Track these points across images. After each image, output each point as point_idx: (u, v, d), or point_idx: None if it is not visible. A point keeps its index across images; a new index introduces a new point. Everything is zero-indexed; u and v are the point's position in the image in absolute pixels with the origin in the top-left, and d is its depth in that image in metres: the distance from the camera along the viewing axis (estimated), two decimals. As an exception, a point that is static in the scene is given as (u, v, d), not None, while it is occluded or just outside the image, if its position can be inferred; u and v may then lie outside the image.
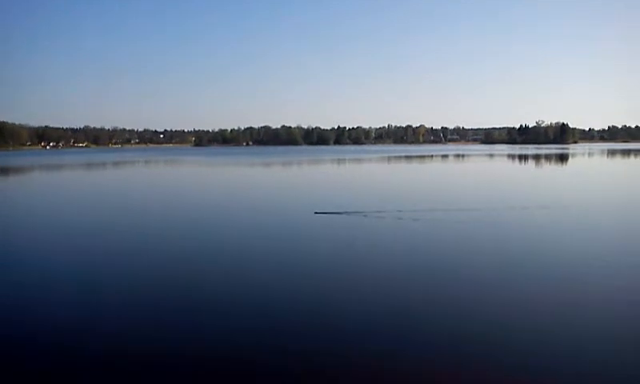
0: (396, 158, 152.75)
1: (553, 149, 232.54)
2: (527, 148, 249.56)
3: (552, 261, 22.81)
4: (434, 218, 34.34)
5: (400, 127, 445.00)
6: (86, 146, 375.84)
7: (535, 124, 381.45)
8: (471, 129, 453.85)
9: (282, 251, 25.63)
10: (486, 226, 31.50)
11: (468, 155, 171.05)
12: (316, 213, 36.31)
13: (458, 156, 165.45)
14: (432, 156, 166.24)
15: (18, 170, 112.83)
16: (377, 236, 29.55)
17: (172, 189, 64.99)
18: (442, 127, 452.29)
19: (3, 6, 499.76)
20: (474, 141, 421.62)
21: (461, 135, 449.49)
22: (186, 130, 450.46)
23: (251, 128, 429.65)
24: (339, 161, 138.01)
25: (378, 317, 16.14)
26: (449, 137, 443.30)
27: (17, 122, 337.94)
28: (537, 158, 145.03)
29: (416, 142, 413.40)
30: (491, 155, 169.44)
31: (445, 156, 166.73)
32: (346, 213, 36.37)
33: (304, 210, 38.74)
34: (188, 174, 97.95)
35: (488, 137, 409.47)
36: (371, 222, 33.76)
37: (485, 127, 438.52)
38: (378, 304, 17.29)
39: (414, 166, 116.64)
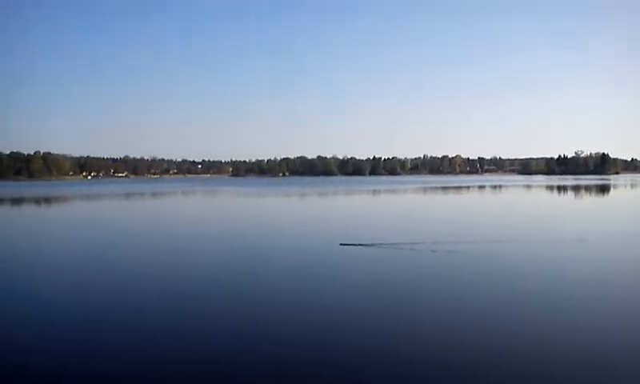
0: (431, 189, 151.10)
1: (593, 180, 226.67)
2: (566, 179, 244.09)
3: (585, 298, 21.83)
4: (468, 250, 33.50)
5: (436, 157, 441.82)
6: (125, 175, 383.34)
7: (574, 154, 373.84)
8: (508, 159, 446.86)
9: (302, 283, 25.54)
10: (522, 261, 30.60)
11: (505, 186, 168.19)
12: (341, 244, 35.78)
13: (494, 187, 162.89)
14: (468, 187, 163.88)
15: (59, 199, 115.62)
16: (405, 270, 28.96)
17: (204, 219, 65.60)
18: (478, 157, 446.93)
19: (52, 37, 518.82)
20: (511, 171, 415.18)
21: (498, 166, 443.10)
22: (223, 161, 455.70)
23: (287, 158, 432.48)
24: (374, 192, 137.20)
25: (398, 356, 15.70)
26: (485, 167, 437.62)
27: (60, 153, 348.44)
28: (576, 189, 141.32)
29: (452, 172, 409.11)
30: (528, 186, 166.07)
31: (481, 187, 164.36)
32: (374, 244, 35.71)
33: (330, 241, 38.09)
34: (222, 204, 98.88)
35: (525, 167, 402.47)
36: (400, 254, 33.13)
37: (522, 157, 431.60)
38: (398, 342, 16.83)
39: (449, 197, 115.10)
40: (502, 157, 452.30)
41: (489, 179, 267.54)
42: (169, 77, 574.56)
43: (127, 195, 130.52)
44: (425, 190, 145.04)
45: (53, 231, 53.13)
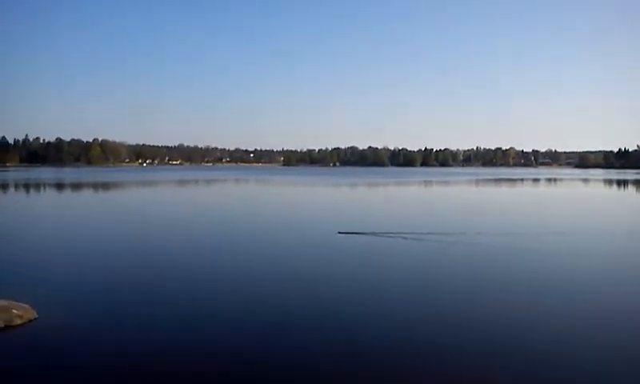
0: (482, 181, 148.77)
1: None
2: (626, 173, 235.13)
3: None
4: (499, 243, 33.28)
5: (489, 149, 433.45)
6: (179, 163, 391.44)
7: (637, 148, 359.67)
8: (564, 152, 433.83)
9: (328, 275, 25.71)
10: (529, 253, 30.39)
11: (560, 179, 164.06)
12: (339, 232, 36.93)
13: (549, 180, 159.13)
14: (522, 180, 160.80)
15: (117, 184, 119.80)
16: (446, 261, 29.28)
17: (246, 203, 67.01)
18: (532, 150, 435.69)
19: (121, 27, 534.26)
20: (568, 165, 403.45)
21: (553, 159, 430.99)
22: (274, 150, 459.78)
23: (338, 149, 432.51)
24: (425, 183, 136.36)
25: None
26: (540, 160, 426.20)
27: (117, 140, 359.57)
28: (638, 184, 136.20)
29: (505, 164, 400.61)
30: (585, 180, 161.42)
31: (535, 180, 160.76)
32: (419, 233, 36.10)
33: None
34: (265, 192, 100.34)
35: (583, 161, 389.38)
36: (444, 247, 33.41)
37: (579, 150, 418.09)
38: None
39: (496, 189, 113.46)
40: (558, 149, 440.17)
41: (543, 172, 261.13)
42: (222, 67, 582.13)
43: (181, 182, 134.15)
44: (476, 182, 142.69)
45: (108, 213, 55.53)
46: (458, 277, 24.52)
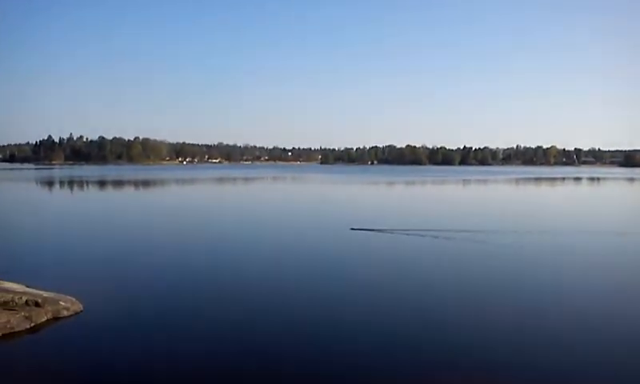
0: (524, 180, 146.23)
1: None
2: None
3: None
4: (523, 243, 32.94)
5: (529, 148, 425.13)
6: (219, 161, 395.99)
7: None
8: (608, 151, 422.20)
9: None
10: (536, 255, 30.01)
11: (603, 179, 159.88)
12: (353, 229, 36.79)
13: (591, 179, 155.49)
14: (563, 179, 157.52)
15: (158, 182, 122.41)
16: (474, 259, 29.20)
17: (275, 201, 67.62)
18: (575, 148, 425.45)
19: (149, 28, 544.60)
20: (612, 164, 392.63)
21: (596, 157, 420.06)
22: (312, 148, 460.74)
23: (376, 147, 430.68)
24: (464, 182, 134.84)
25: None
26: (582, 159, 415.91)
27: (158, 139, 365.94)
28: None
29: (546, 163, 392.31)
30: (631, 179, 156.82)
31: (577, 179, 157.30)
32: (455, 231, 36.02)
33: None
34: (300, 189, 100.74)
35: (628, 160, 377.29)
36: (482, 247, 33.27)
37: (624, 149, 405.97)
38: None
39: (539, 189, 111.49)
40: (602, 148, 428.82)
41: (586, 171, 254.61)
42: (259, 67, 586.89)
43: (220, 179, 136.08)
44: (515, 181, 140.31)
45: (150, 210, 56.95)
46: (468, 275, 24.90)
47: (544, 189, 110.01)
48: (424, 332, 16.99)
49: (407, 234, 35.99)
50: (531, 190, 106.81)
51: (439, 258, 29.25)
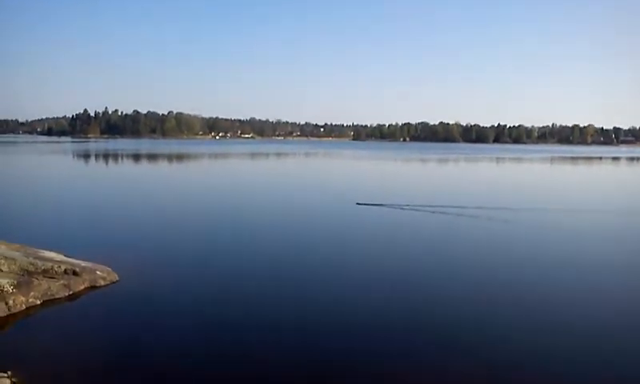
0: (559, 159, 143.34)
1: None
2: None
3: None
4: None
5: (565, 126, 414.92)
6: (251, 137, 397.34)
7: None
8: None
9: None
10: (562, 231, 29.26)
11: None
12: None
13: (631, 159, 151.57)
14: (600, 158, 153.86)
15: (192, 156, 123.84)
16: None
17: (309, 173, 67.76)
18: (613, 127, 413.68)
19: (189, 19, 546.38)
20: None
21: (636, 136, 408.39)
22: (345, 125, 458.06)
23: (408, 124, 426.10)
24: (497, 160, 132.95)
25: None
26: (621, 138, 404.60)
27: (191, 113, 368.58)
28: None
29: (583, 142, 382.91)
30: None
31: (615, 159, 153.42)
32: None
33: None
34: (331, 165, 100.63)
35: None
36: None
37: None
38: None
39: (570, 167, 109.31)
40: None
41: (625, 151, 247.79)
42: (294, 45, 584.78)
43: (252, 155, 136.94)
44: (550, 160, 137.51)
45: (185, 183, 57.78)
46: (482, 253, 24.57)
47: (578, 168, 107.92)
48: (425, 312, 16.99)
49: (433, 212, 36.08)
50: (566, 169, 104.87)
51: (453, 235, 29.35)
